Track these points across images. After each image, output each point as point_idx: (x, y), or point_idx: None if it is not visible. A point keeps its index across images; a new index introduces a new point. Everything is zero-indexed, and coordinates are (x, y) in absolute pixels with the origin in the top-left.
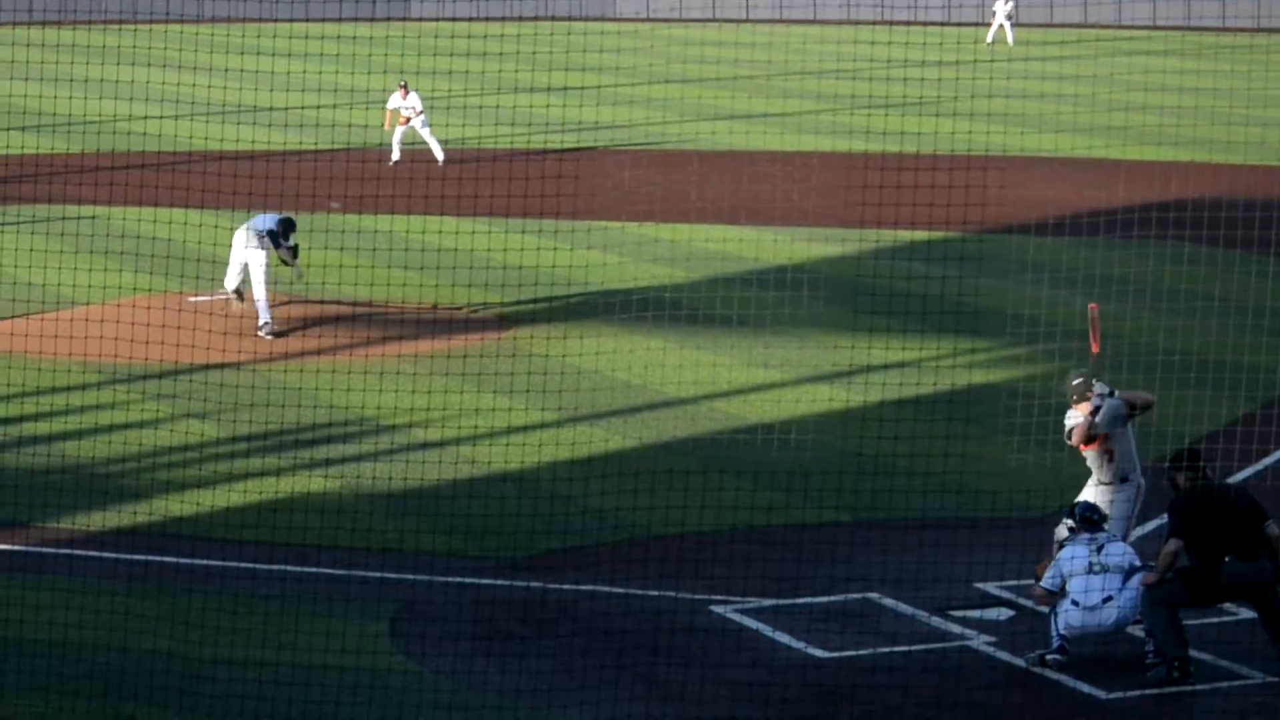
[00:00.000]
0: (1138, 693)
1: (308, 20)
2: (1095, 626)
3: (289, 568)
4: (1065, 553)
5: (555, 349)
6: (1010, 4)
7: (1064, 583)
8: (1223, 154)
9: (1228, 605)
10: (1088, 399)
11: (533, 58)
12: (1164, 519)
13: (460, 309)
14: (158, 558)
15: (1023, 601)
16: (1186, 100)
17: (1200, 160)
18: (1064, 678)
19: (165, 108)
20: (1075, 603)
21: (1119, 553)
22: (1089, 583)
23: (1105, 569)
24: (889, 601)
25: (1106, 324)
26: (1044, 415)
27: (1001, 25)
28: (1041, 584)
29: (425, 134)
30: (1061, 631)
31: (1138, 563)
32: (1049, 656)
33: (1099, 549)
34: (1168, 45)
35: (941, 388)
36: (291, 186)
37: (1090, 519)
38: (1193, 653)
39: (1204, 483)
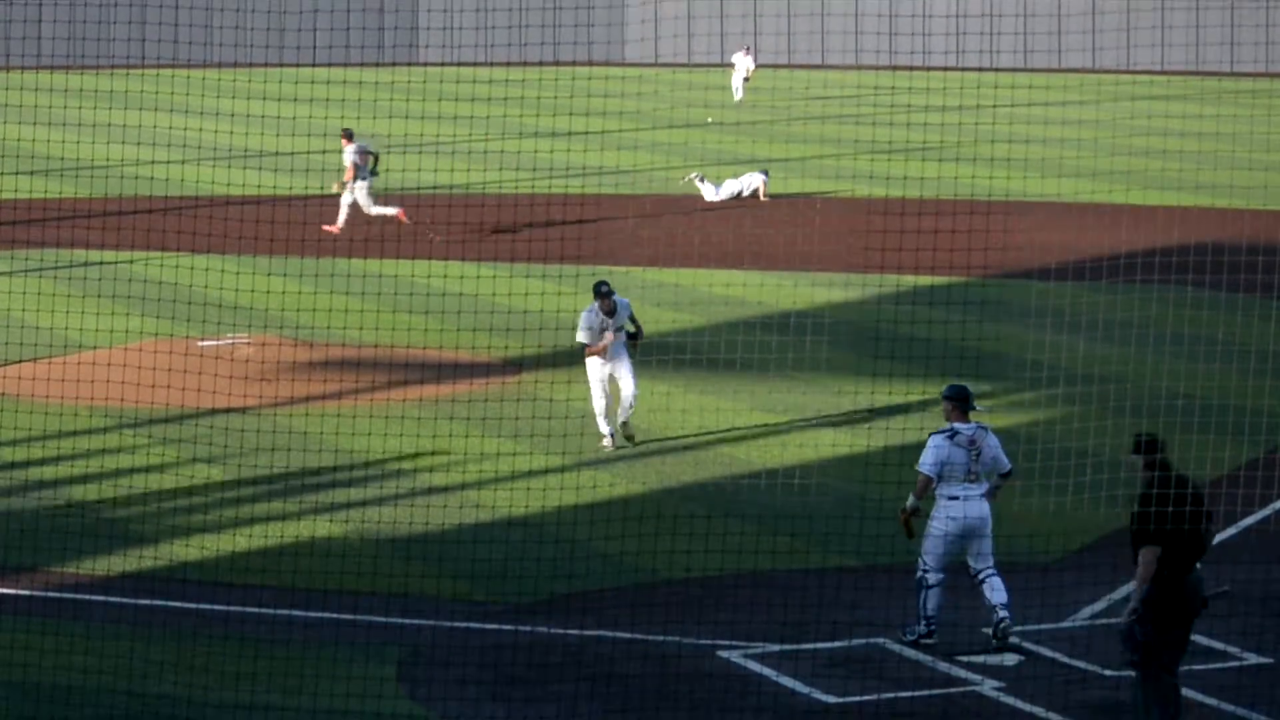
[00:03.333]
0: None
1: (314, 65)
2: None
3: (296, 612)
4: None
5: (563, 393)
6: (749, 59)
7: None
8: (1225, 198)
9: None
10: None
11: (538, 102)
12: None
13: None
14: (166, 602)
15: (1030, 647)
16: (1190, 145)
17: (1204, 205)
18: None
19: (173, 152)
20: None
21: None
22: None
23: (979, 477)
24: (896, 647)
25: (1110, 368)
26: (1051, 460)
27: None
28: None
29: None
30: (930, 613)
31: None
32: (924, 640)
33: (977, 455)
34: (1170, 90)
35: None
36: (298, 231)
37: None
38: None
39: (1175, 474)
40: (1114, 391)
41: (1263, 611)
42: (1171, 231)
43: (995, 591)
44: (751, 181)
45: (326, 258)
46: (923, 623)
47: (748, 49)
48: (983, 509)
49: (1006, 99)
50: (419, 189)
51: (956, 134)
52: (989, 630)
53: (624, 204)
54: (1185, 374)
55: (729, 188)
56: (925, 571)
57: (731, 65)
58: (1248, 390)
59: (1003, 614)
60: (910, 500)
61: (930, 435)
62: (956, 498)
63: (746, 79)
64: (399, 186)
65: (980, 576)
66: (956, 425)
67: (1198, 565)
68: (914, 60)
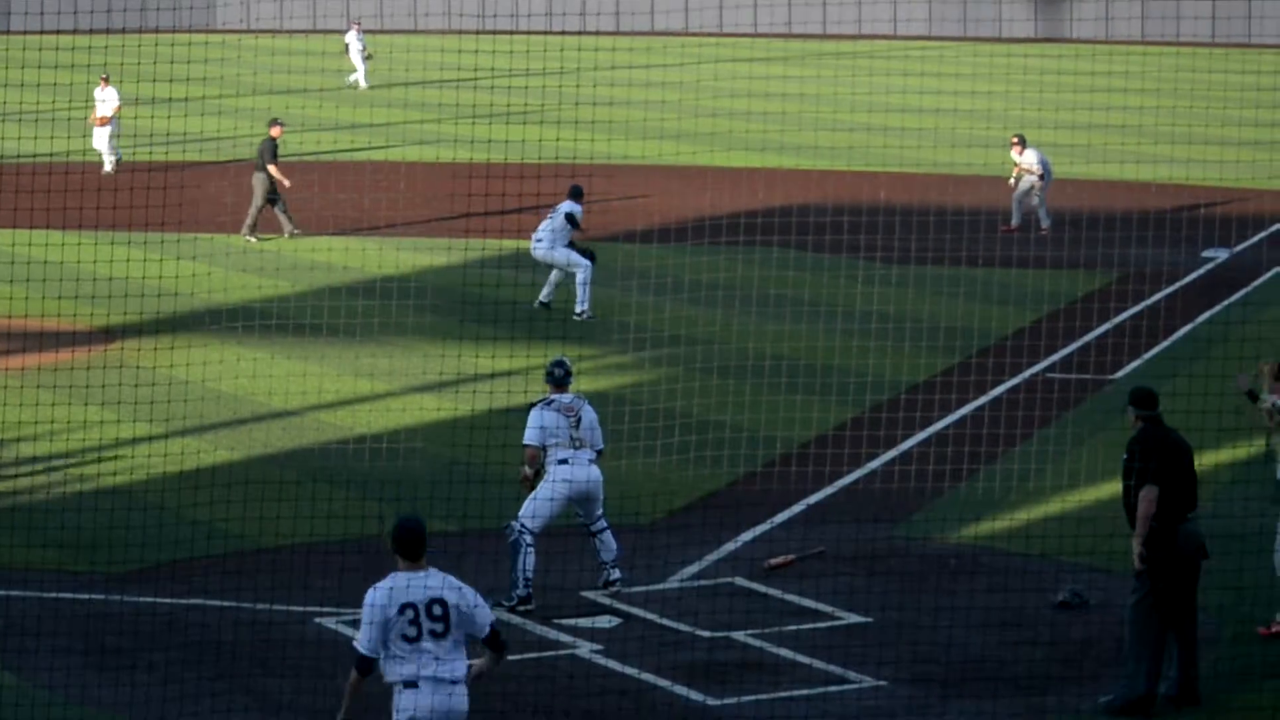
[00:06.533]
0: (743, 699)
1: None
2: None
3: None
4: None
5: (156, 360)
6: (360, 42)
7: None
8: (811, 159)
9: None
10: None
11: (120, 69)
12: None
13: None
14: None
15: (626, 608)
16: (776, 106)
17: (790, 166)
18: (674, 685)
19: None
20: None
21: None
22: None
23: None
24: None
25: (699, 329)
26: (650, 421)
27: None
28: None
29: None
30: (529, 574)
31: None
32: (521, 607)
33: (577, 423)
34: (759, 52)
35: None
36: None
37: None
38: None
39: (1164, 429)
40: (703, 352)
41: (855, 570)
42: (757, 193)
43: (606, 548)
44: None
45: None
46: (522, 584)
47: (357, 23)
48: (595, 474)
49: (594, 62)
50: (3, 157)
51: (543, 97)
52: (595, 589)
53: (216, 171)
54: (775, 335)
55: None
56: (522, 533)
57: (345, 46)
58: (836, 350)
59: (614, 570)
60: (526, 469)
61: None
62: (566, 462)
63: (369, 57)
64: None
65: (593, 528)
66: (554, 395)
67: (1190, 515)
68: (511, 25)
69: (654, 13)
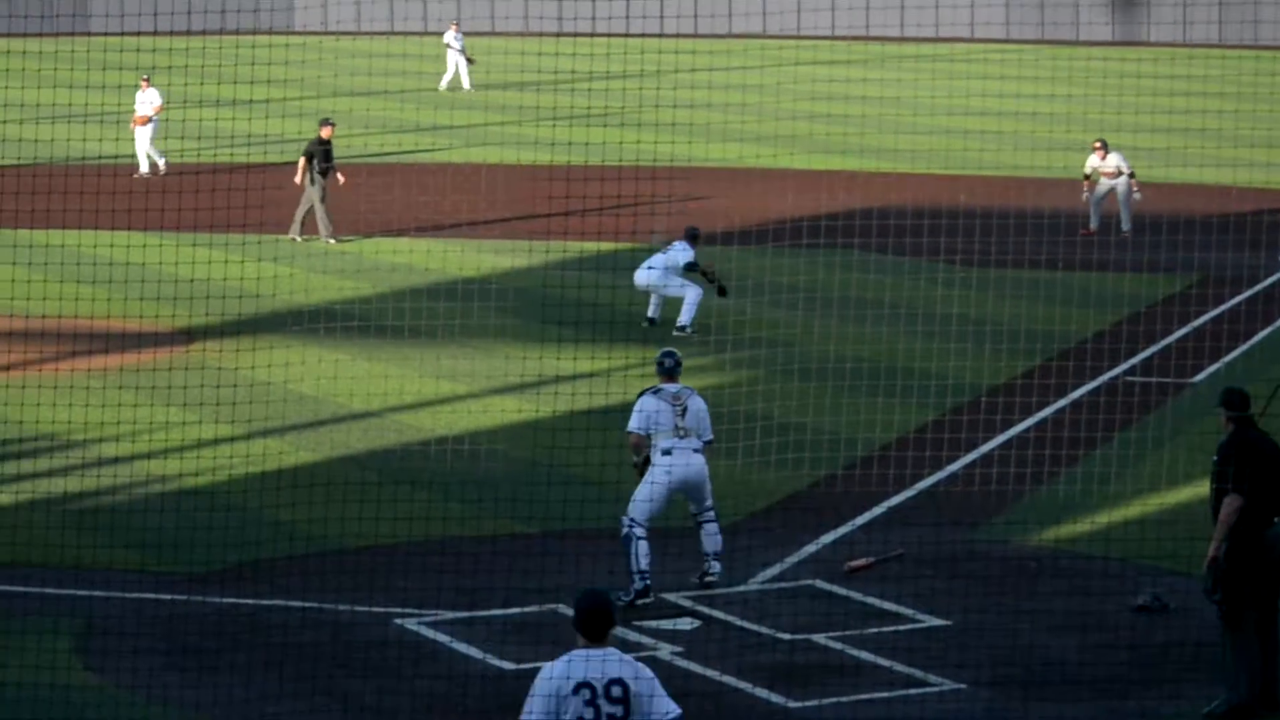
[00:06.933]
0: (823, 701)
1: None
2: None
3: None
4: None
5: (237, 362)
6: (459, 43)
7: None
8: (891, 163)
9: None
10: None
11: (201, 71)
12: None
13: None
14: None
15: (706, 610)
16: (856, 109)
17: (870, 169)
18: (754, 688)
19: None
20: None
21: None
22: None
23: (688, 432)
24: (570, 613)
25: (780, 332)
26: (731, 423)
27: (456, 67)
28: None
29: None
30: (643, 568)
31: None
32: (640, 601)
33: (684, 412)
34: (837, 55)
35: (628, 397)
36: None
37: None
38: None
39: (1256, 433)
40: (784, 355)
41: (935, 573)
42: (836, 196)
43: (709, 538)
44: None
45: (6, 229)
46: (637, 578)
47: (455, 24)
48: (699, 463)
49: (674, 64)
50: (84, 159)
51: (623, 100)
52: (675, 591)
53: (294, 172)
54: (855, 337)
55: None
56: (632, 526)
57: (445, 47)
58: (916, 353)
59: (714, 564)
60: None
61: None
62: (670, 452)
63: (472, 61)
64: (64, 156)
65: (700, 518)
66: (662, 385)
67: (1276, 520)
68: (590, 27)
69: (732, 15)
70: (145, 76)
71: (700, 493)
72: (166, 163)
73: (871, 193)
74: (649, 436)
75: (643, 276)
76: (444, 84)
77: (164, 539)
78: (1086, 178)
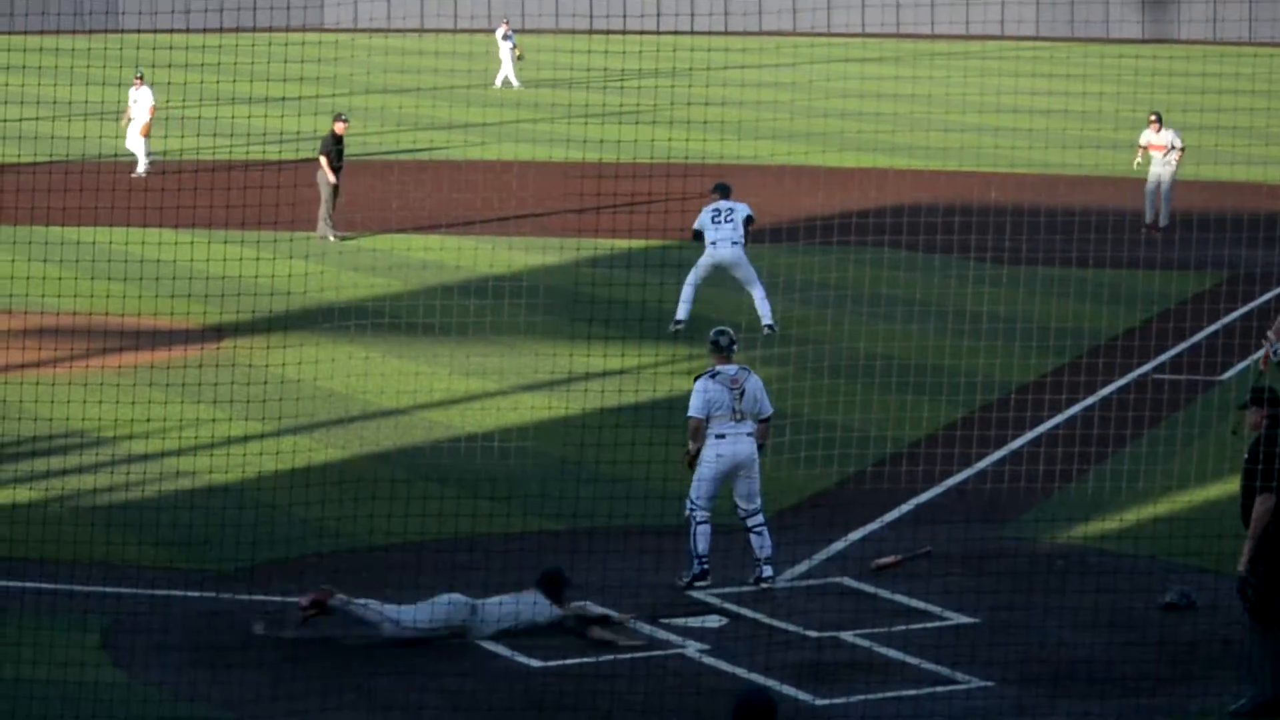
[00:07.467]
0: (850, 699)
1: (10, 33)
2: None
3: None
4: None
5: (266, 359)
6: (510, 43)
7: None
8: (922, 160)
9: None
10: None
11: (234, 68)
12: None
13: None
14: None
15: (733, 608)
16: (887, 106)
17: (900, 166)
18: (782, 685)
19: None
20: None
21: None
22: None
23: (744, 415)
24: (601, 610)
25: (809, 329)
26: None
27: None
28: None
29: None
30: (701, 552)
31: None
32: (698, 584)
33: (741, 395)
34: (869, 52)
35: (657, 395)
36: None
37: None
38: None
39: None
40: (813, 352)
41: (963, 570)
42: (869, 193)
43: (761, 543)
44: None
45: (25, 225)
46: (695, 563)
47: (506, 22)
48: (749, 447)
49: (705, 62)
50: (116, 156)
51: (655, 97)
52: (751, 583)
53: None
54: (885, 335)
55: None
56: (693, 511)
57: (504, 40)
58: (945, 350)
59: (766, 568)
60: (690, 446)
61: (695, 379)
62: (724, 436)
63: (520, 57)
64: (96, 154)
65: (749, 523)
66: (719, 367)
67: None
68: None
69: (762, 13)
70: (139, 74)
71: (751, 482)
72: (150, 164)
73: (902, 190)
74: (707, 420)
75: (728, 252)
76: (499, 81)
77: (193, 536)
78: (1141, 148)
